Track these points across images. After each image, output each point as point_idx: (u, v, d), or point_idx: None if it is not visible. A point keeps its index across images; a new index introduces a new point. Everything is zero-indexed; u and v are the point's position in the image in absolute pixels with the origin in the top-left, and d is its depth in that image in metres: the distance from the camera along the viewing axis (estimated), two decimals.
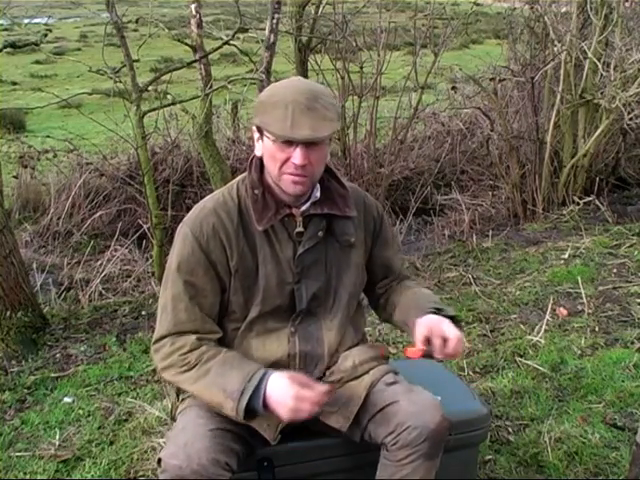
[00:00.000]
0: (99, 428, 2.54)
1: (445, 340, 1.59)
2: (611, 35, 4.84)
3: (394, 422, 1.58)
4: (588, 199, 4.88)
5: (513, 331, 3.19)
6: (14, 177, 5.37)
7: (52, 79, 12.63)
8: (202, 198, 1.74)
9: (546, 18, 4.94)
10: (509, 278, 3.86)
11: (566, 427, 2.39)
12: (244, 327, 1.66)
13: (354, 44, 5.15)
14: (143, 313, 3.56)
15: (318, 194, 1.68)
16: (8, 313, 3.14)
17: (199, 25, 3.84)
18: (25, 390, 2.85)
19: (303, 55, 4.96)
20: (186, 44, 3.95)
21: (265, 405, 1.51)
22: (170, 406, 1.81)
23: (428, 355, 1.62)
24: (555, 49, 4.89)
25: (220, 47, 3.97)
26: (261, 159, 1.63)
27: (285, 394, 1.48)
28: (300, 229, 1.65)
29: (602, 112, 4.81)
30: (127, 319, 3.52)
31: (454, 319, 1.66)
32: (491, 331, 3.22)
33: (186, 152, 5.41)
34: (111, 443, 2.44)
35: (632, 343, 3.01)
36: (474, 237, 4.46)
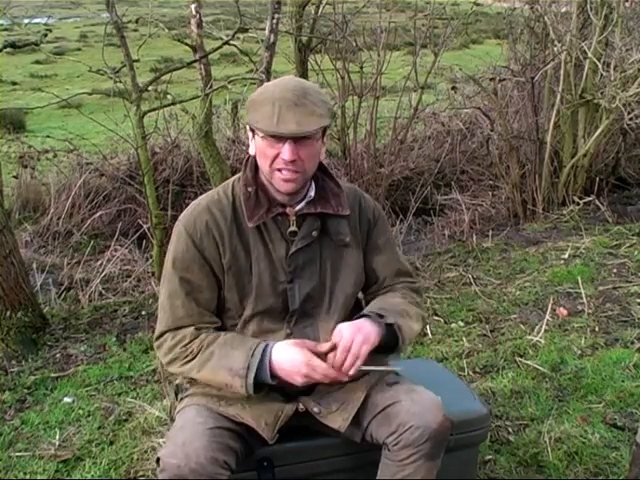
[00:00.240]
0: (99, 428, 2.54)
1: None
2: (611, 35, 4.84)
3: (396, 422, 1.58)
4: (588, 199, 4.88)
5: (513, 331, 3.19)
6: (14, 177, 5.37)
7: (52, 79, 12.62)
8: None
9: (546, 18, 4.94)
10: (509, 278, 3.86)
11: (566, 427, 2.39)
12: (240, 325, 1.66)
13: (354, 44, 5.15)
14: (143, 313, 3.56)
15: (312, 193, 1.67)
16: (8, 313, 3.15)
17: (199, 25, 3.84)
18: (25, 390, 2.85)
19: (303, 55, 4.95)
20: (186, 44, 3.95)
21: (274, 375, 1.54)
22: (169, 406, 1.81)
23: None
24: (555, 49, 4.89)
25: (220, 47, 3.97)
26: (255, 158, 1.63)
27: (296, 360, 1.52)
28: (293, 228, 1.65)
29: (602, 112, 4.81)
30: (127, 319, 3.52)
31: (395, 327, 1.62)
32: (491, 331, 3.22)
33: (186, 152, 5.41)
34: (111, 443, 2.44)
35: (632, 343, 3.02)
36: (474, 237, 4.46)
